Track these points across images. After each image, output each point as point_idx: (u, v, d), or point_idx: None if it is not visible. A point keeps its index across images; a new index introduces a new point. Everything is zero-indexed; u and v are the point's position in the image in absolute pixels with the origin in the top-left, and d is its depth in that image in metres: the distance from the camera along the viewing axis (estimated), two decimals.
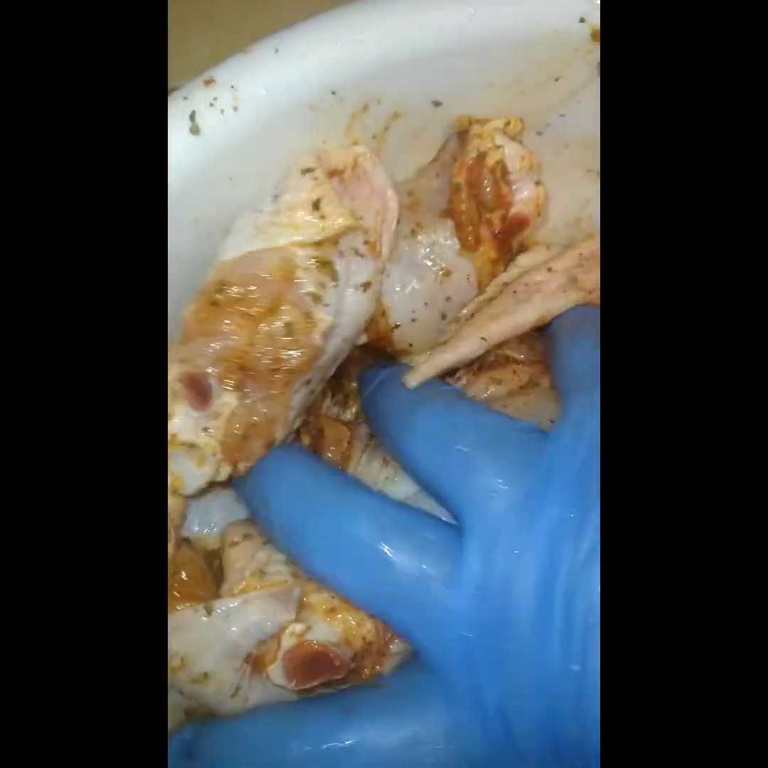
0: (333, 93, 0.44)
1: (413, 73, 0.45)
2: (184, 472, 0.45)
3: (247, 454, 0.47)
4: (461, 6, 0.44)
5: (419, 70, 0.45)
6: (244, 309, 0.45)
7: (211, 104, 0.42)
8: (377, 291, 0.49)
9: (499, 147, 0.47)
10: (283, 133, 0.44)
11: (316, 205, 0.44)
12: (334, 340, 0.46)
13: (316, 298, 0.44)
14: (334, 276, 0.45)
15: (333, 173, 0.47)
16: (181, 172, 0.43)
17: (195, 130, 0.43)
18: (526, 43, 0.45)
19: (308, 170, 0.45)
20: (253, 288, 0.44)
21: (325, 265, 0.44)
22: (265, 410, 0.46)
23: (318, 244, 0.44)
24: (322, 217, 0.44)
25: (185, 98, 0.43)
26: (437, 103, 0.48)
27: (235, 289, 0.44)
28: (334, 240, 0.44)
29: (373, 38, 0.43)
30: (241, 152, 0.44)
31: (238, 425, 0.46)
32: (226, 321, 0.44)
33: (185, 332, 0.45)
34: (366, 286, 0.47)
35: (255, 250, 0.44)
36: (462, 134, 0.49)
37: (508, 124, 0.48)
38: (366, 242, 0.46)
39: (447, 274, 0.49)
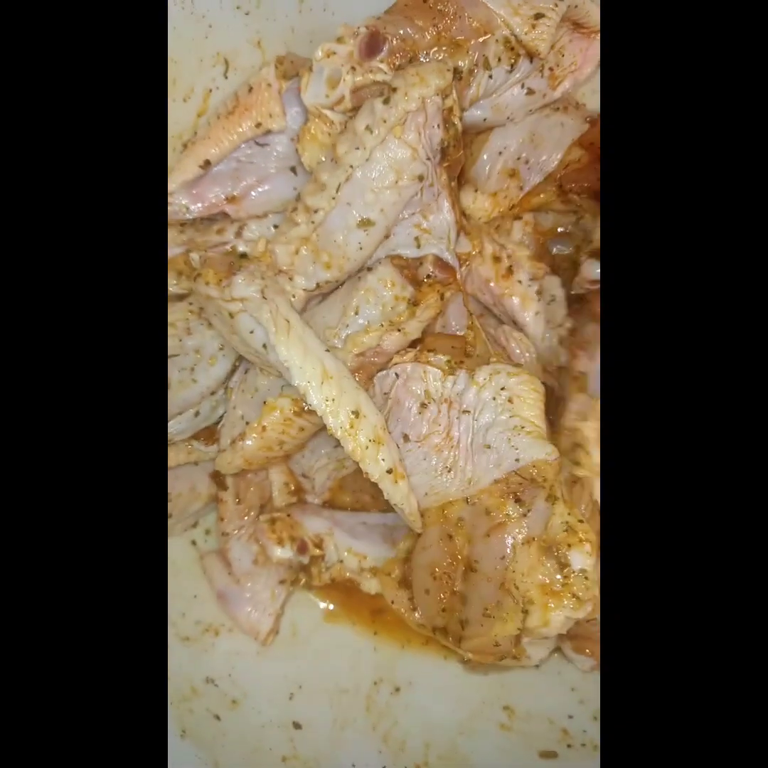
0: None
1: None
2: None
3: None
4: None
5: None
6: (441, 21, 0.66)
7: None
8: None
9: None
10: None
11: None
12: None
13: (487, 66, 0.68)
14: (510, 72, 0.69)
15: None
16: None
17: None
18: None
19: None
20: (461, 12, 0.66)
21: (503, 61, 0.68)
22: None
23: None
24: None
25: None
26: None
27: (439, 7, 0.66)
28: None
29: None
30: None
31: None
32: (426, 19, 0.66)
33: (395, 4, 0.67)
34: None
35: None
36: None
37: None
38: None
39: None
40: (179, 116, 0.71)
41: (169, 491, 0.73)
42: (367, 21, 0.65)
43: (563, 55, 0.75)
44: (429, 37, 0.66)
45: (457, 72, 0.68)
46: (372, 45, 0.65)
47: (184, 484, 0.74)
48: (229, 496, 0.76)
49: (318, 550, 0.73)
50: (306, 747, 0.71)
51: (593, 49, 0.75)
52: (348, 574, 0.74)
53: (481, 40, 0.68)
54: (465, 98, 0.71)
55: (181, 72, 0.69)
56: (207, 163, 0.70)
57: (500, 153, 0.76)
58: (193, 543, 0.80)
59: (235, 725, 0.70)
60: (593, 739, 0.72)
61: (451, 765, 0.72)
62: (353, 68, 0.65)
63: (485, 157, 0.77)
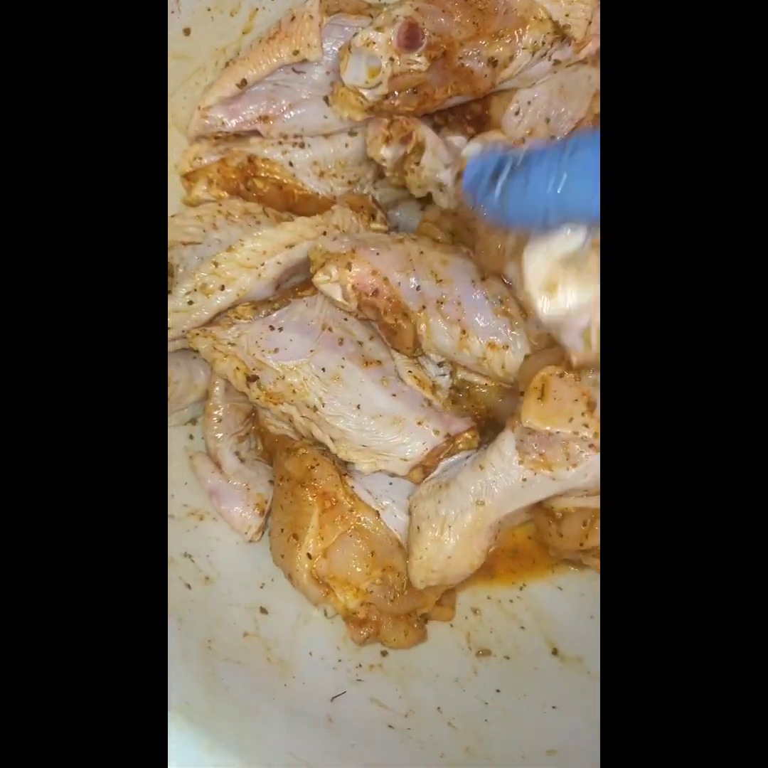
0: None
1: None
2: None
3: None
4: None
5: None
6: (480, 18, 0.71)
7: None
8: None
9: None
10: None
11: None
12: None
13: (530, 52, 0.73)
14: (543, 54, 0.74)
15: None
16: None
17: None
18: None
19: None
20: (502, 9, 0.71)
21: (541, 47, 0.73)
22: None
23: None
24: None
25: None
26: None
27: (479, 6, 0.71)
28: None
29: None
30: None
31: (411, 82, 0.72)
32: (466, 15, 0.70)
33: None
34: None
35: None
36: None
37: None
38: None
39: None
40: (225, 30, 0.78)
41: (168, 376, 0.78)
42: (405, 9, 0.70)
43: (590, 23, 0.81)
44: (467, 32, 0.71)
45: (492, 61, 0.74)
46: (411, 37, 0.70)
47: (183, 372, 0.80)
48: (219, 396, 0.81)
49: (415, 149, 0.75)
50: (268, 629, 0.74)
51: None
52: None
53: (520, 30, 0.74)
54: (498, 78, 0.77)
55: None
56: (244, 83, 0.77)
57: (530, 102, 0.81)
58: (191, 437, 0.85)
59: (203, 597, 0.73)
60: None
61: (405, 667, 0.75)
62: (392, 59, 0.70)
63: (514, 106, 0.81)
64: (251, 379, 0.72)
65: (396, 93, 0.73)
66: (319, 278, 0.70)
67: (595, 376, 0.65)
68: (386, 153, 0.77)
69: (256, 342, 0.71)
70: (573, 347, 0.64)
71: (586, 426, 0.63)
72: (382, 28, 0.70)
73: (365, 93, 0.73)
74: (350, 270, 0.69)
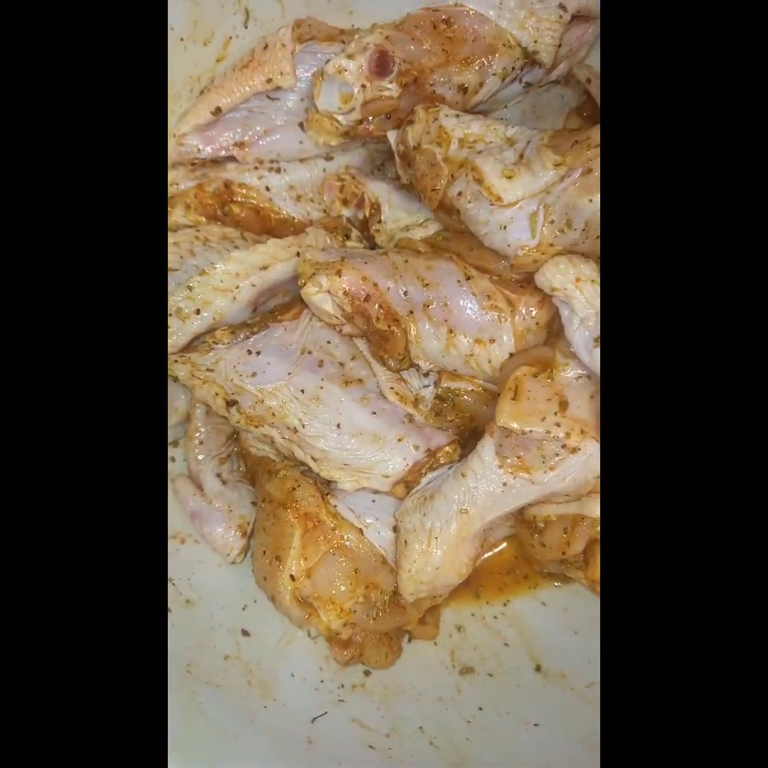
0: None
1: None
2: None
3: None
4: None
5: None
6: (449, 46, 0.73)
7: None
8: None
9: None
10: None
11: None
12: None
13: (500, 78, 0.75)
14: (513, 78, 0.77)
15: None
16: None
17: None
18: None
19: None
20: (470, 37, 0.73)
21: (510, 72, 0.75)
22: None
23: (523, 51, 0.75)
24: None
25: None
26: None
27: (455, 26, 0.72)
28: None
29: None
30: None
31: (383, 108, 0.74)
32: (435, 43, 0.72)
33: (401, 22, 0.73)
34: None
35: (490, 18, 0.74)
36: None
37: None
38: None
39: None
40: (199, 59, 0.80)
41: None
42: (375, 37, 0.72)
43: (560, 46, 0.82)
44: (437, 59, 0.73)
45: (462, 88, 0.75)
46: (381, 65, 0.72)
47: None
48: (200, 419, 0.82)
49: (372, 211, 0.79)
50: (250, 652, 0.74)
51: (588, 34, 0.82)
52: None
53: (489, 56, 0.75)
54: (469, 103, 0.78)
55: (203, 14, 0.77)
56: (218, 110, 0.78)
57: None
58: (173, 459, 0.85)
59: (184, 620, 0.73)
60: None
61: (388, 686, 0.75)
62: (363, 85, 0.72)
63: None
64: (230, 403, 0.72)
65: (370, 118, 0.75)
66: (309, 290, 0.70)
67: (568, 376, 0.66)
68: (347, 213, 0.81)
69: (234, 367, 0.72)
70: (518, 240, 0.65)
71: (558, 425, 0.64)
72: (353, 56, 0.71)
73: (339, 118, 0.74)
74: (340, 277, 0.70)
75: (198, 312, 0.72)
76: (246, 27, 0.80)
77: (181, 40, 0.77)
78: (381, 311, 0.71)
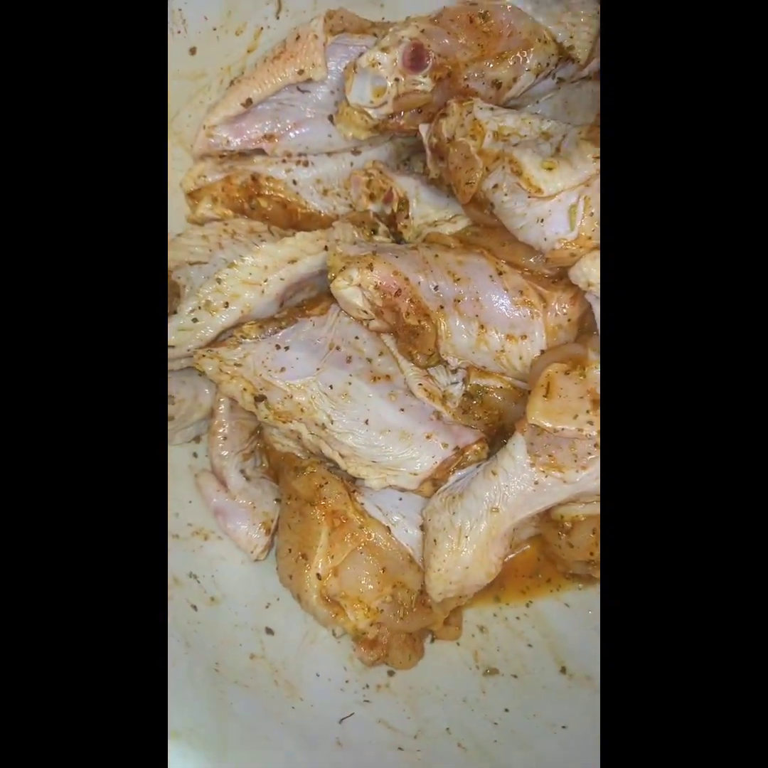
0: None
1: None
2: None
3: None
4: None
5: None
6: (485, 41, 0.72)
7: None
8: None
9: None
10: None
11: None
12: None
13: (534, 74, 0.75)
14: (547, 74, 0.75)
15: None
16: None
17: None
18: None
19: None
20: (507, 32, 0.72)
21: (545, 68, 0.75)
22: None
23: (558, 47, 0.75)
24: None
25: None
26: None
27: (492, 21, 0.72)
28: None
29: None
30: None
31: (416, 102, 0.73)
32: (471, 37, 0.72)
33: (437, 16, 0.73)
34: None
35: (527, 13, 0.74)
36: None
37: None
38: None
39: None
40: (230, 49, 0.79)
41: (173, 394, 0.77)
42: (411, 31, 0.71)
43: (595, 42, 0.81)
44: (472, 54, 0.72)
45: (496, 83, 0.74)
46: (416, 59, 0.71)
47: (188, 390, 0.79)
48: (225, 414, 0.81)
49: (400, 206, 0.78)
50: (274, 650, 0.73)
51: None
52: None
53: (524, 52, 0.74)
54: (502, 98, 0.78)
55: (237, 5, 0.76)
56: (249, 102, 0.78)
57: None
58: (195, 455, 0.84)
59: (210, 618, 0.73)
60: None
61: (413, 686, 0.74)
62: (397, 79, 0.71)
63: None
64: (259, 398, 0.71)
65: (401, 113, 0.74)
66: (339, 284, 0.69)
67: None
68: (374, 208, 0.80)
69: (263, 362, 0.71)
70: (556, 233, 0.64)
71: (591, 423, 0.63)
72: (387, 49, 0.70)
73: (370, 112, 0.73)
74: (372, 271, 0.69)
75: (227, 305, 0.72)
76: (277, 18, 0.79)
77: (214, 29, 0.76)
78: (411, 306, 0.70)
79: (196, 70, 0.78)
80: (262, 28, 0.79)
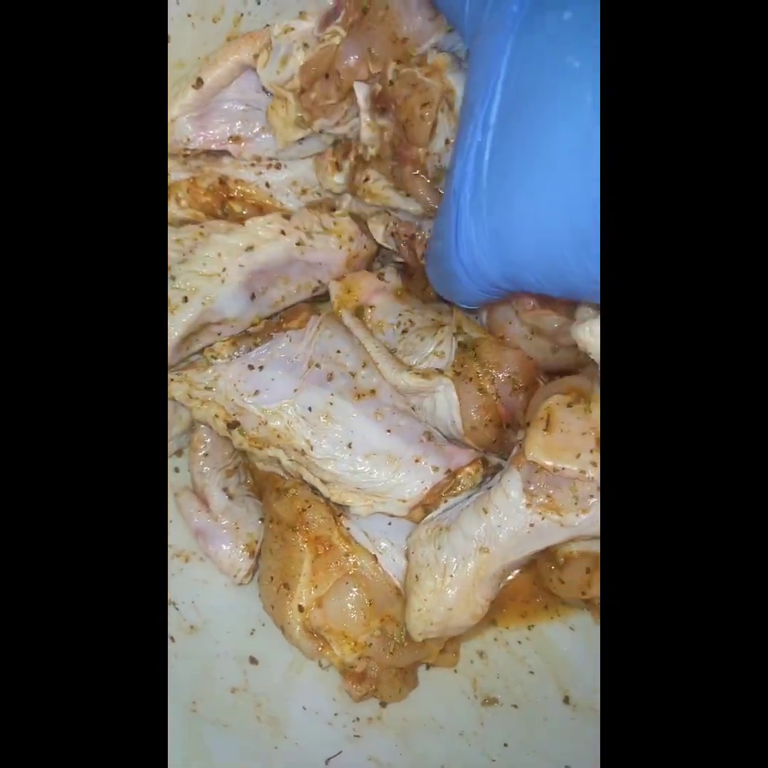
0: None
1: None
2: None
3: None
4: None
5: None
6: None
7: None
8: None
9: None
10: None
11: None
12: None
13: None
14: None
15: None
16: None
17: None
18: None
19: None
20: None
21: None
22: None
23: None
24: None
25: None
26: None
27: None
28: None
29: None
30: None
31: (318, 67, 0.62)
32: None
33: None
34: None
35: None
36: None
37: None
38: None
39: None
40: (208, 37, 0.71)
41: None
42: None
43: None
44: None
45: None
46: (331, 14, 0.63)
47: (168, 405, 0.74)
48: (205, 429, 0.76)
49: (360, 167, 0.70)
50: (258, 682, 0.70)
51: None
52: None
53: None
54: None
55: None
56: (199, 82, 0.69)
57: None
58: (177, 470, 0.80)
59: (188, 649, 0.69)
60: None
61: (406, 718, 0.70)
62: (305, 44, 0.64)
63: None
64: (232, 425, 0.66)
65: (312, 85, 0.66)
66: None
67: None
68: (339, 178, 0.72)
69: (235, 384, 0.66)
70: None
71: (594, 465, 0.57)
72: (304, 16, 0.64)
73: (283, 92, 0.66)
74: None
75: (186, 300, 0.66)
76: (259, 3, 0.70)
77: (189, 16, 0.68)
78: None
79: (172, 60, 0.70)
80: (242, 15, 0.71)
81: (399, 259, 0.77)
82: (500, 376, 0.68)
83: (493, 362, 0.68)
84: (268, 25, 0.69)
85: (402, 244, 0.70)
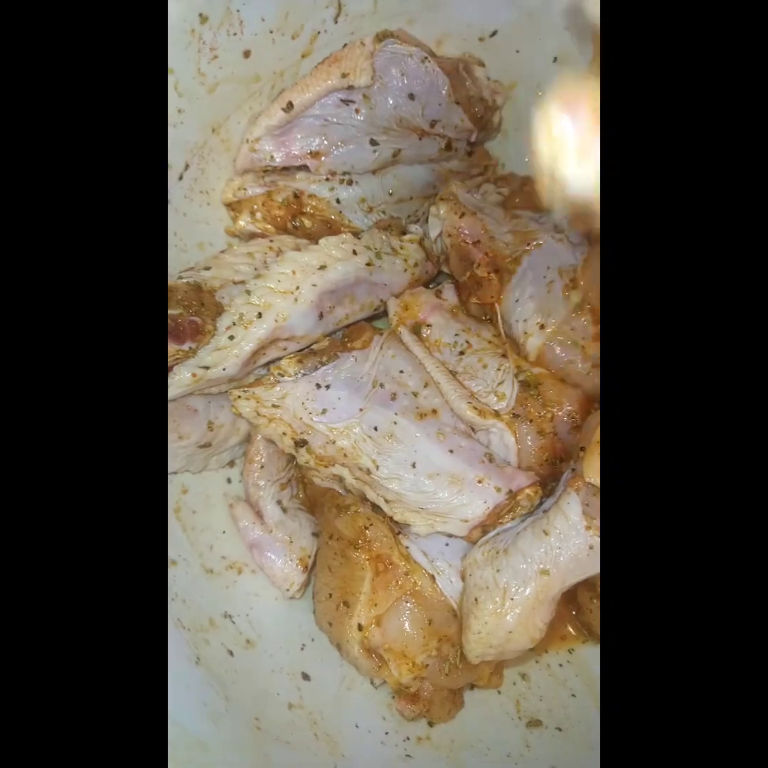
0: None
1: None
2: None
3: None
4: None
5: None
6: None
7: None
8: None
9: None
10: None
11: None
12: None
13: None
14: None
15: None
16: None
17: None
18: None
19: None
20: None
21: None
22: None
23: None
24: None
25: None
26: None
27: None
28: None
29: None
30: None
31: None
32: None
33: None
34: None
35: None
36: None
37: None
38: None
39: None
40: (284, 54, 0.72)
41: (212, 420, 0.73)
42: None
43: None
44: None
45: None
46: None
47: (227, 415, 0.75)
48: (263, 441, 0.77)
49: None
50: (312, 699, 0.70)
51: None
52: None
53: None
54: None
55: (295, 6, 0.70)
56: (290, 105, 0.71)
57: None
58: (229, 481, 0.80)
59: (246, 664, 0.69)
60: None
61: (455, 739, 0.71)
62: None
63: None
64: (299, 443, 0.67)
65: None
66: (431, 209, 0.79)
67: None
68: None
69: (302, 403, 0.66)
70: None
71: None
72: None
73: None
74: (461, 219, 0.76)
75: (260, 316, 0.66)
76: (336, 22, 0.72)
77: (271, 32, 0.70)
78: (486, 258, 0.74)
79: (249, 74, 0.72)
80: (318, 33, 0.73)
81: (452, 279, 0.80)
82: (560, 413, 0.70)
83: (555, 401, 0.70)
84: (346, 45, 0.71)
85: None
